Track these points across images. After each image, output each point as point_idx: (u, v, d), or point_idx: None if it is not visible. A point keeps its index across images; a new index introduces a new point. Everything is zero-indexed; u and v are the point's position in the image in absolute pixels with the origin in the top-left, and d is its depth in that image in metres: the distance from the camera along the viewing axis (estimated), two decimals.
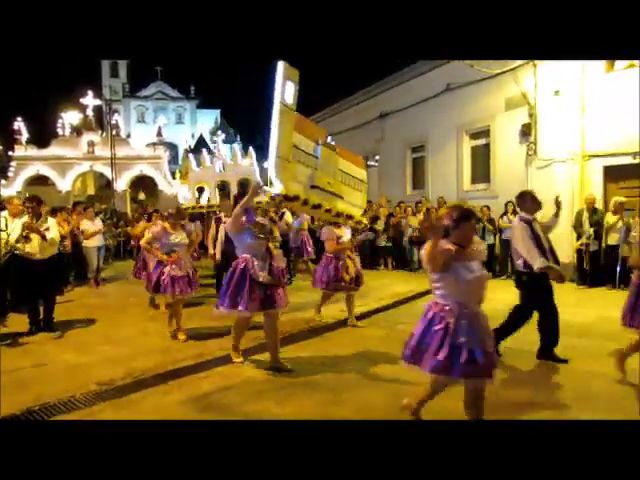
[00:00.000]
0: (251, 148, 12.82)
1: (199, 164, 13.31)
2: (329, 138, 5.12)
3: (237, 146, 14.20)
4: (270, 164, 4.27)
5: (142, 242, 6.03)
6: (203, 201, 12.39)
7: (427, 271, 3.01)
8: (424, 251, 2.89)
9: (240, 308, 4.46)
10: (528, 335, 5.77)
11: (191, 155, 16.49)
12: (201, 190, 12.66)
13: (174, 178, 28.73)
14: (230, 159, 12.62)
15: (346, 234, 6.12)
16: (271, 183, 4.29)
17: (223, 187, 12.50)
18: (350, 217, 5.39)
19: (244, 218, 4.52)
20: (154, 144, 33.37)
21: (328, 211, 4.94)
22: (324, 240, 6.20)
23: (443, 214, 3.01)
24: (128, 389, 4.23)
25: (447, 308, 2.90)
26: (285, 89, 4.34)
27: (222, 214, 8.37)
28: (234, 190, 11.72)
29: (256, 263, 4.52)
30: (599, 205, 9.14)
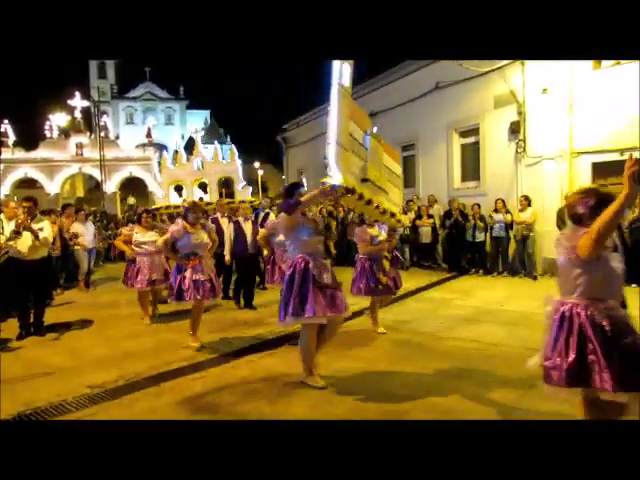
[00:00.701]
0: (234, 147, 12.41)
1: (175, 161, 12.71)
2: (375, 128, 4.62)
3: (218, 145, 13.46)
4: (330, 152, 3.81)
5: (159, 242, 5.47)
6: (177, 200, 11.52)
7: (570, 262, 2.49)
8: (588, 232, 2.35)
9: (307, 315, 3.94)
10: (518, 333, 5.82)
11: (165, 152, 15.76)
12: (180, 189, 12.15)
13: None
14: (211, 157, 12.12)
15: (381, 233, 5.72)
16: (328, 174, 3.81)
17: (202, 186, 12.02)
18: (393, 215, 4.98)
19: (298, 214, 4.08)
20: (144, 145, 33.20)
21: (377, 208, 4.51)
22: (357, 241, 5.83)
23: (575, 201, 2.58)
24: (120, 392, 4.20)
25: (598, 307, 2.41)
26: (342, 71, 3.95)
27: (218, 214, 8.28)
28: (214, 189, 11.29)
29: (317, 262, 4.09)
30: None
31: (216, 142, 15.07)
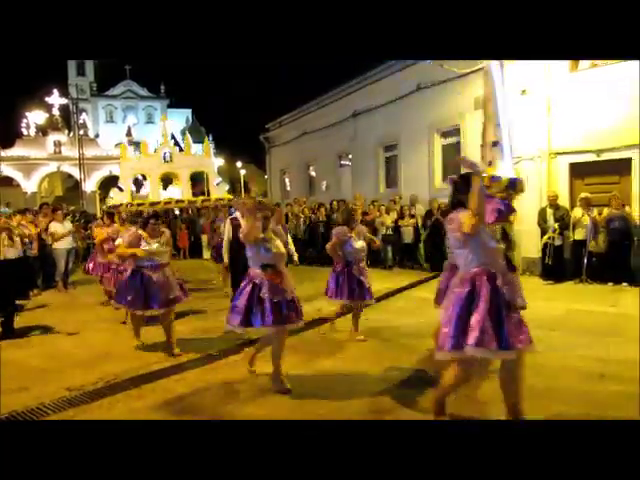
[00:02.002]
0: (207, 139, 11.60)
1: (139, 152, 11.35)
2: None
3: (190, 138, 12.42)
4: (504, 137, 2.96)
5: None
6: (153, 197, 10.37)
7: None
8: None
9: (493, 347, 2.85)
10: None
11: (125, 141, 14.47)
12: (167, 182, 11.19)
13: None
14: (181, 149, 11.10)
15: None
16: (499, 164, 2.85)
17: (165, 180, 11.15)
18: None
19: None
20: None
21: None
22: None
23: None
24: (100, 394, 4.14)
25: None
26: None
27: (237, 213, 7.95)
28: (183, 184, 10.26)
29: (506, 279, 3.06)
30: (566, 201, 9.39)
31: (187, 134, 13.69)
